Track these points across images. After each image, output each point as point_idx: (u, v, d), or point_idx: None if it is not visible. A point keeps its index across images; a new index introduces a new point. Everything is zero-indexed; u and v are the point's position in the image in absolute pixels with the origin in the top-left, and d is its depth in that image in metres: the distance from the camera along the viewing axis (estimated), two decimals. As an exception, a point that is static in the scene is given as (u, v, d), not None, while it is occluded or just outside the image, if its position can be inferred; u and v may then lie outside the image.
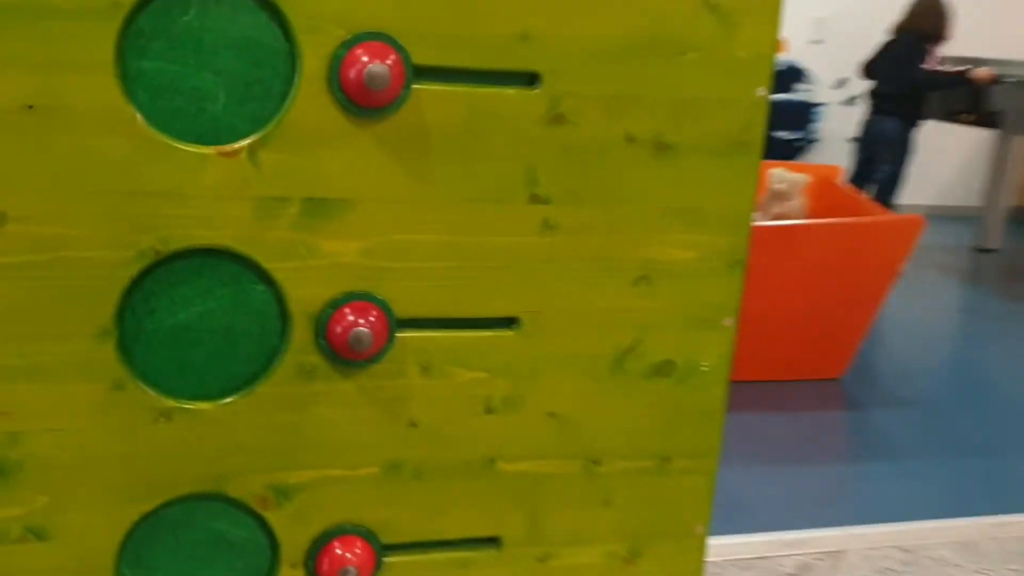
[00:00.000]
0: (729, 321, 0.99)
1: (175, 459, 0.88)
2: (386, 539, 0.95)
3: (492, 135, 0.88)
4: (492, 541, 0.99)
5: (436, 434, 0.94)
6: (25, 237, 0.80)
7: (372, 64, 0.80)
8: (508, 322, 0.93)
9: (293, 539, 0.93)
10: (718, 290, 0.98)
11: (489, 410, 0.95)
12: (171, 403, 0.87)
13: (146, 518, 0.89)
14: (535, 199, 0.90)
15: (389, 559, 0.96)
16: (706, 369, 1.00)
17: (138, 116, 0.80)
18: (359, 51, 0.82)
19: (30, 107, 0.77)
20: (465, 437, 0.95)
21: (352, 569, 0.91)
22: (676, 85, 0.91)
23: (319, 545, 0.93)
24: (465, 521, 0.97)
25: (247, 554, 0.93)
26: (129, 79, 0.80)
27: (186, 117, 0.82)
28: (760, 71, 0.93)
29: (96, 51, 0.78)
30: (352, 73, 0.81)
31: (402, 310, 0.90)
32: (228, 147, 0.82)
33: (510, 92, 0.88)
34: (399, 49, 0.83)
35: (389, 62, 0.82)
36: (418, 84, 0.85)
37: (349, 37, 0.82)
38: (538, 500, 0.99)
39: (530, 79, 0.88)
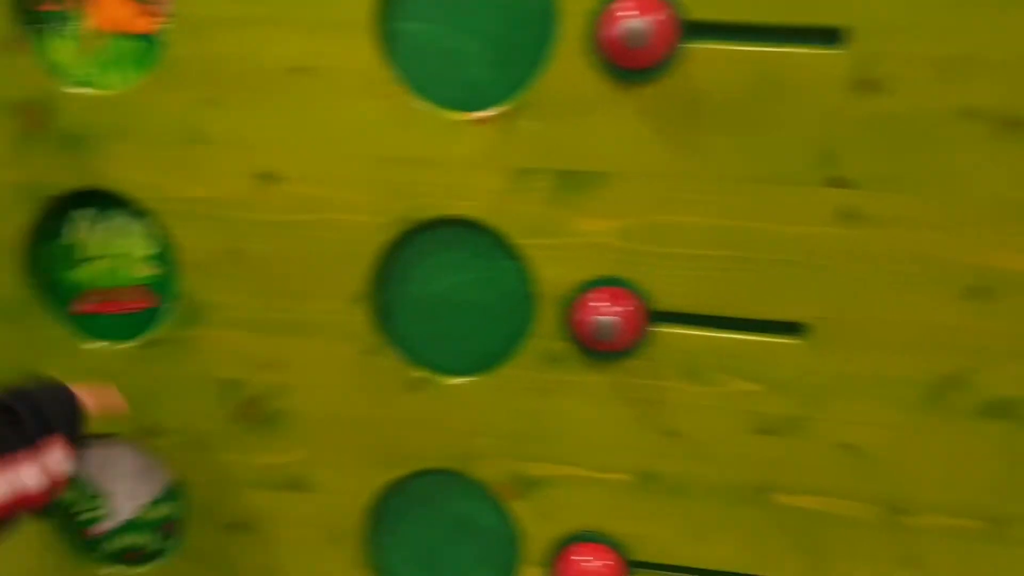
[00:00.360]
0: (1101, 355, 0.74)
1: (422, 431, 0.86)
2: (635, 555, 0.85)
3: (781, 104, 0.73)
4: (761, 583, 0.85)
5: (699, 448, 0.82)
6: (294, 197, 0.82)
7: (631, 19, 0.70)
8: (793, 328, 0.78)
9: (536, 535, 0.87)
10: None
11: (765, 430, 0.80)
12: (420, 374, 0.85)
13: (395, 487, 0.89)
14: (834, 182, 0.74)
15: (639, 577, 0.86)
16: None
17: (396, 78, 0.78)
18: (622, 5, 0.72)
19: (297, 68, 0.79)
20: (734, 457, 0.82)
21: (587, 578, 0.83)
22: (1040, 41, 0.69)
23: (563, 547, 0.86)
24: (729, 553, 0.84)
25: (491, 542, 0.89)
26: (389, 40, 0.78)
27: (443, 81, 0.79)
28: None
29: (357, 11, 0.77)
30: (612, 31, 0.72)
31: (662, 302, 0.79)
32: (483, 113, 0.78)
33: (806, 52, 0.72)
34: (670, 1, 0.72)
35: (654, 17, 0.71)
36: (693, 43, 0.73)
37: (614, -11, 0.73)
38: (822, 545, 0.83)
39: (832, 36, 0.72)
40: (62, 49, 0.85)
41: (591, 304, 0.78)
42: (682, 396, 0.81)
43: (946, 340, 0.76)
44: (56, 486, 0.70)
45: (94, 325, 0.90)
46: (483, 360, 0.84)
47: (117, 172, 0.85)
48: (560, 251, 0.79)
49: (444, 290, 0.84)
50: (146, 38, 0.83)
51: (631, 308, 0.78)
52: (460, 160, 0.79)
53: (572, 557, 0.85)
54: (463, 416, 0.85)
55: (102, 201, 0.87)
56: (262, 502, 0.90)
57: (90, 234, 0.89)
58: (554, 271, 0.80)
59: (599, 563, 0.84)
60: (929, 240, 0.74)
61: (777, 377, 0.79)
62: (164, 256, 0.88)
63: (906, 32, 0.70)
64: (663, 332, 0.80)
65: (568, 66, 0.75)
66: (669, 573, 0.86)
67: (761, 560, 0.84)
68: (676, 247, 0.78)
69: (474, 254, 0.82)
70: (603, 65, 0.74)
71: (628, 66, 0.74)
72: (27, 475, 0.67)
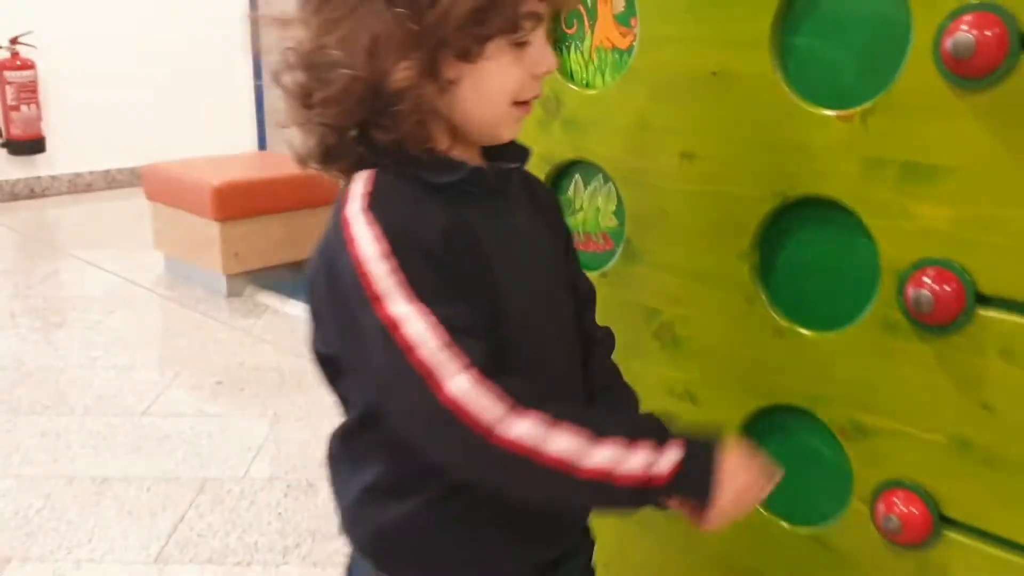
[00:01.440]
0: None
1: (783, 371, 1.06)
2: (946, 511, 0.95)
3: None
4: (1054, 560, 0.89)
5: (1012, 425, 0.89)
6: (703, 172, 1.08)
7: (959, 33, 0.83)
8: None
9: (864, 476, 1.01)
10: None
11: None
12: (785, 324, 1.05)
13: (760, 414, 1.09)
14: None
15: (948, 533, 0.95)
16: None
17: (783, 82, 0.99)
18: (961, 21, 0.84)
19: (714, 73, 1.04)
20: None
21: (895, 520, 0.96)
22: None
23: (883, 490, 0.99)
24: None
25: (831, 475, 1.05)
26: (781, 52, 0.99)
27: (819, 84, 0.97)
28: None
29: (758, 30, 0.99)
30: (946, 43, 0.85)
31: (987, 286, 0.88)
32: (846, 111, 0.95)
33: None
34: (1006, 18, 0.82)
35: (981, 32, 0.82)
36: (1027, 54, 0.82)
37: (957, 7, 0.85)
38: None
39: None
40: (574, 60, 1.21)
41: (919, 280, 0.91)
42: (999, 375, 0.89)
43: None
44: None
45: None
46: (834, 319, 1.01)
47: (595, 148, 1.19)
48: (900, 232, 0.93)
49: (812, 257, 1.02)
50: (623, 52, 1.15)
51: (952, 288, 0.89)
52: (825, 149, 0.97)
53: (891, 500, 0.98)
54: (814, 365, 1.03)
55: (585, 168, 1.22)
56: (663, 405, 1.18)
57: (578, 192, 1.25)
58: (894, 249, 0.94)
59: (911, 510, 0.96)
60: None
61: (1098, 372, 0.83)
62: (619, 211, 1.20)
63: None
64: (985, 315, 0.89)
65: (917, 73, 0.89)
66: (975, 535, 0.94)
67: (1070, 546, 0.88)
68: (1003, 237, 0.87)
69: (834, 229, 0.99)
70: (944, 73, 0.87)
71: (963, 74, 0.85)
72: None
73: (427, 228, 0.79)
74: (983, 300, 0.89)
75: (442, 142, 0.84)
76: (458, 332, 0.75)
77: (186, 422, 2.52)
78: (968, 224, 0.88)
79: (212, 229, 3.49)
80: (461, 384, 0.73)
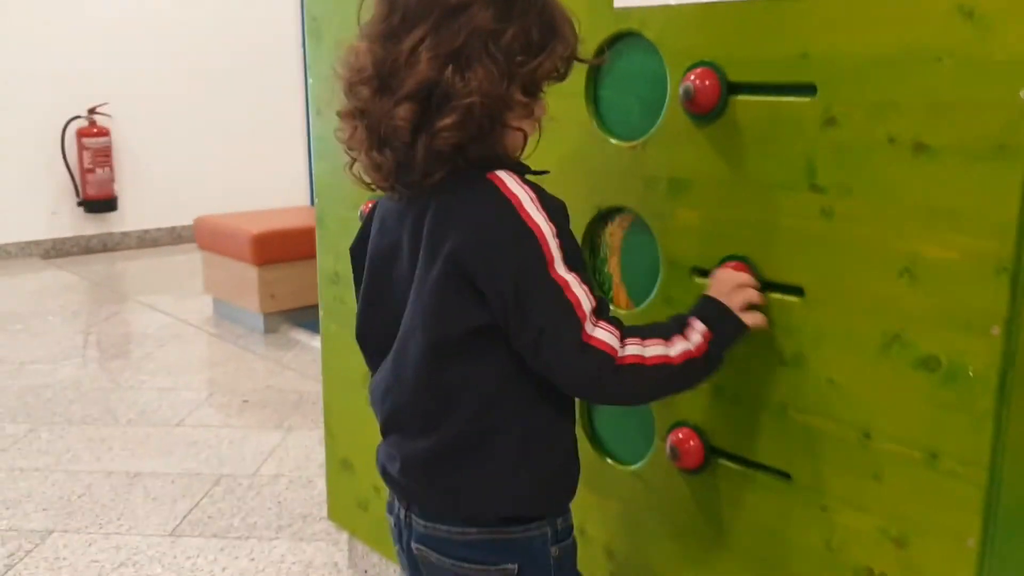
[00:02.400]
0: (996, 330, 0.96)
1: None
2: (713, 443, 1.25)
3: (782, 134, 1.11)
4: (786, 476, 1.18)
5: (747, 370, 1.20)
6: (551, 192, 1.41)
7: (685, 83, 1.16)
8: (795, 290, 1.13)
9: (662, 419, 1.32)
10: (983, 296, 0.97)
11: (783, 362, 1.16)
12: (608, 305, 1.37)
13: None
14: (814, 188, 1.09)
15: (717, 460, 1.25)
16: (972, 375, 0.99)
17: (594, 123, 1.33)
18: (690, 75, 1.18)
19: (551, 119, 1.39)
20: (760, 382, 1.18)
21: (677, 449, 1.26)
22: (933, 89, 0.98)
23: (672, 427, 1.30)
24: (767, 451, 1.20)
25: (642, 422, 1.36)
26: (593, 101, 1.34)
27: (617, 124, 1.31)
28: (1021, 73, 0.91)
29: (578, 85, 1.34)
30: (680, 90, 1.18)
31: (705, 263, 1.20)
32: (634, 143, 1.28)
33: (795, 100, 1.10)
34: (718, 71, 1.16)
35: (707, 82, 1.16)
36: (734, 96, 1.15)
37: (690, 64, 1.19)
38: (820, 454, 1.14)
39: (810, 89, 1.08)
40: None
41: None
42: (734, 332, 1.20)
43: (889, 307, 1.04)
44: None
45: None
46: (637, 302, 1.33)
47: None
48: (673, 232, 1.25)
49: (625, 249, 1.35)
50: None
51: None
52: (622, 171, 1.30)
53: (676, 435, 1.28)
54: (627, 334, 1.35)
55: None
56: None
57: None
58: (671, 243, 1.26)
59: (690, 443, 1.27)
60: (874, 232, 1.04)
61: (786, 325, 1.14)
62: None
63: (850, 86, 1.04)
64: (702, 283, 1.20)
65: (672, 112, 1.22)
66: (732, 461, 1.24)
67: (785, 460, 1.18)
68: (726, 229, 1.19)
69: (634, 230, 1.32)
70: (688, 112, 1.20)
71: (698, 112, 1.18)
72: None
73: (564, 211, 1.04)
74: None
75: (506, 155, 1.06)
76: (592, 292, 1.02)
77: (212, 432, 2.91)
78: (712, 221, 1.21)
79: (251, 273, 3.91)
80: (597, 329, 1.00)
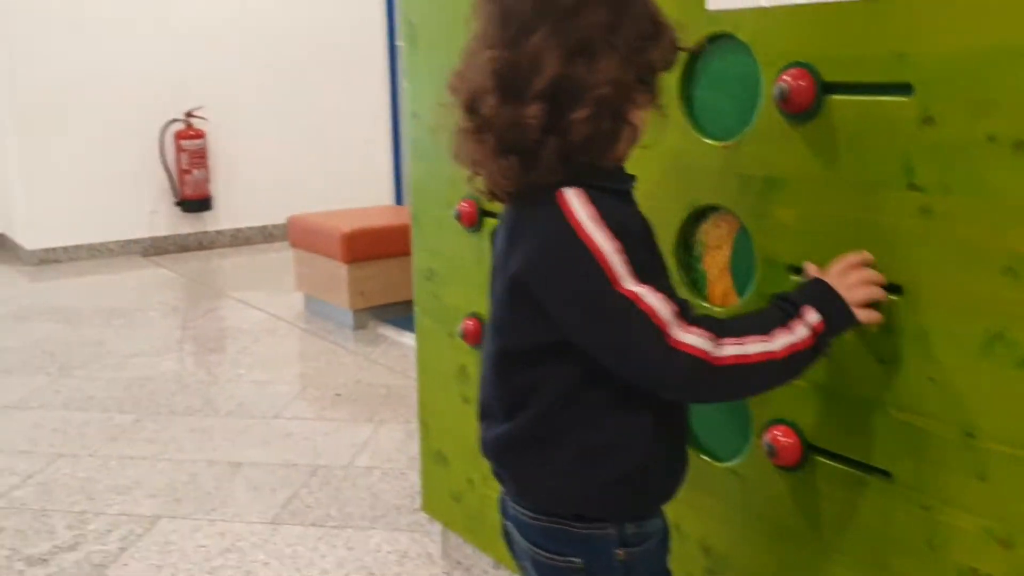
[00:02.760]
0: (1105, 330, 0.95)
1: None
2: (811, 440, 1.26)
3: (878, 133, 1.12)
4: (886, 474, 1.18)
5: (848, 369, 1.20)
6: (641, 191, 1.43)
7: (780, 83, 1.17)
8: (894, 288, 1.13)
9: (758, 416, 1.33)
10: (1089, 293, 0.96)
11: (882, 360, 1.16)
12: (705, 308, 1.39)
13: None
14: (912, 187, 1.09)
15: (815, 457, 1.26)
16: (1079, 375, 0.98)
17: (688, 122, 1.35)
18: (785, 75, 1.19)
19: (645, 118, 1.41)
20: (859, 379, 1.18)
21: (774, 447, 1.27)
22: (1034, 88, 0.97)
23: (769, 425, 1.31)
24: (867, 449, 1.20)
25: (738, 418, 1.37)
26: (687, 101, 1.35)
27: (710, 124, 1.32)
28: None
29: (671, 85, 1.35)
30: (774, 90, 1.19)
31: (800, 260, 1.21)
32: (728, 142, 1.30)
33: (891, 99, 1.10)
34: (812, 72, 1.17)
35: (802, 82, 1.17)
36: (829, 96, 1.16)
37: (783, 65, 1.20)
38: (921, 453, 1.14)
39: (906, 89, 1.08)
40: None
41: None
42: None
43: (991, 306, 1.04)
44: None
45: None
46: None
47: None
48: (771, 230, 1.26)
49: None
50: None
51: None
52: (715, 170, 1.32)
53: (773, 433, 1.29)
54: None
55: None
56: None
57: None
58: (769, 243, 1.27)
59: (787, 440, 1.27)
60: (974, 230, 1.04)
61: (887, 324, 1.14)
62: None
63: (948, 86, 1.04)
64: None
65: (767, 112, 1.23)
66: (831, 459, 1.24)
67: (885, 458, 1.18)
68: (820, 226, 1.19)
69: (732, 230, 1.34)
70: (782, 112, 1.21)
71: (793, 112, 1.19)
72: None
73: (636, 224, 1.05)
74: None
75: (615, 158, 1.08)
76: (671, 298, 1.01)
77: (308, 424, 3.00)
78: (806, 220, 1.21)
79: (341, 271, 4.01)
80: (683, 333, 1.00)
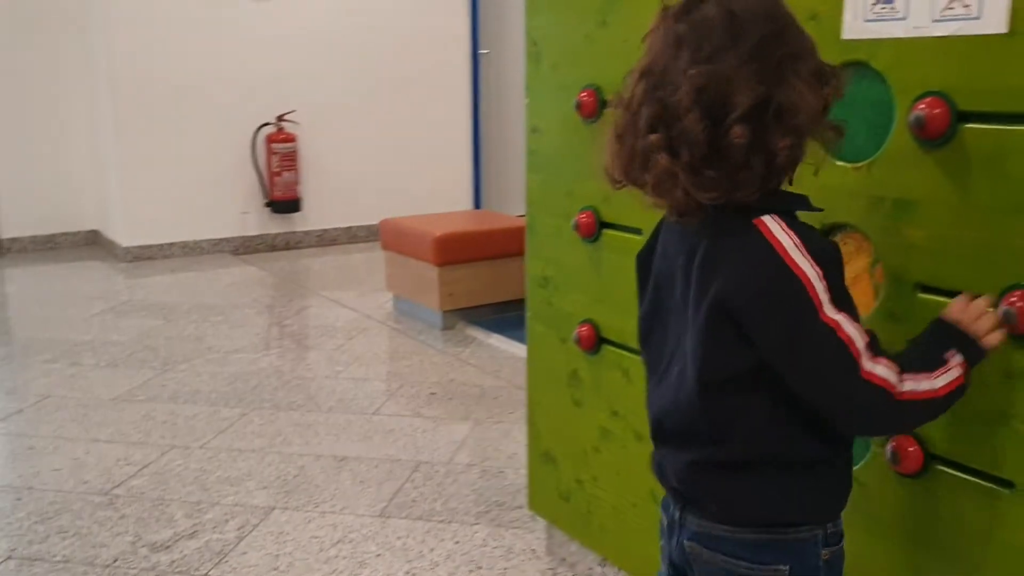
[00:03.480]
0: None
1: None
2: (933, 450, 1.32)
3: (1012, 161, 1.17)
4: (1009, 484, 1.23)
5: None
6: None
7: (916, 111, 1.24)
8: None
9: (878, 427, 1.38)
10: None
11: (1008, 375, 1.21)
12: (825, 317, 1.45)
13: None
14: (1050, 212, 1.15)
15: (936, 466, 1.32)
16: None
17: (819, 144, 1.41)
18: (920, 103, 1.25)
19: (774, 139, 1.47)
20: (983, 394, 1.24)
21: (897, 454, 1.33)
22: None
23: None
24: (990, 459, 1.25)
25: (858, 429, 1.43)
26: (816, 124, 1.42)
27: (844, 146, 1.39)
28: None
29: (801, 109, 1.42)
30: (911, 117, 1.25)
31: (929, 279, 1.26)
32: (859, 164, 1.36)
33: (1028, 129, 1.16)
34: (948, 101, 1.22)
35: (938, 111, 1.23)
36: (964, 124, 1.22)
37: (919, 94, 1.26)
38: (1051, 467, 1.19)
39: (1044, 119, 1.14)
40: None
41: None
42: (959, 346, 1.26)
43: None
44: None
45: None
46: (856, 311, 1.40)
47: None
48: (895, 248, 1.32)
49: (842, 268, 1.43)
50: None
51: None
52: (846, 191, 1.38)
53: (896, 442, 1.35)
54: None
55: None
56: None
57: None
58: (895, 260, 1.33)
59: (909, 449, 1.33)
60: (1109, 255, 1.09)
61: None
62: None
63: (1088, 116, 1.09)
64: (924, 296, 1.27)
65: (900, 138, 1.29)
66: (954, 468, 1.30)
67: (1013, 469, 1.23)
68: (956, 248, 1.25)
69: (858, 248, 1.40)
70: (917, 137, 1.27)
71: (927, 138, 1.25)
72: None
73: (831, 249, 1.09)
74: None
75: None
76: (862, 329, 1.07)
77: (406, 421, 3.12)
78: (934, 239, 1.27)
79: (432, 273, 4.13)
80: (874, 364, 1.06)
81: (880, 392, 1.06)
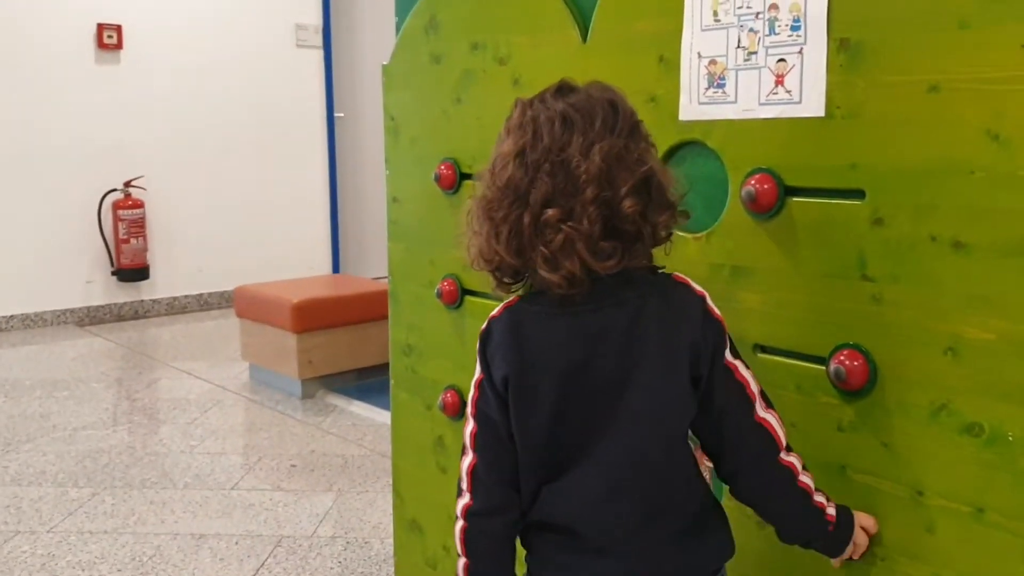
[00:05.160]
0: (1034, 401, 1.13)
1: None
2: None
3: (834, 231, 1.29)
4: (845, 529, 1.33)
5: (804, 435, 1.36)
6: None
7: (747, 187, 1.35)
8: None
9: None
10: (1018, 371, 1.14)
11: (840, 428, 1.32)
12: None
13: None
14: (865, 278, 1.27)
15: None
16: (1011, 439, 1.15)
17: (662, 216, 1.51)
18: (751, 179, 1.36)
19: (622, 211, 1.56)
20: (821, 446, 1.34)
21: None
22: (968, 196, 1.16)
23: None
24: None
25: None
26: (660, 197, 1.52)
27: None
28: (1043, 185, 1.09)
29: (645, 183, 1.52)
30: (743, 192, 1.36)
31: (765, 340, 1.37)
32: (699, 234, 1.46)
33: (846, 203, 1.28)
34: (775, 177, 1.34)
35: (767, 186, 1.34)
36: (791, 198, 1.33)
37: (749, 170, 1.37)
38: (877, 509, 1.30)
39: (859, 194, 1.26)
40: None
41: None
42: (793, 404, 1.36)
43: (935, 381, 1.21)
44: None
45: None
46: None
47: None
48: (734, 313, 1.42)
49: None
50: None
51: (762, 345, 1.38)
52: (687, 259, 1.48)
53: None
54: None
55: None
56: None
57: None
58: (735, 325, 1.43)
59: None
60: (919, 316, 1.21)
61: (844, 393, 1.31)
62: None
63: (895, 192, 1.22)
64: (777, 361, 1.37)
65: (735, 211, 1.40)
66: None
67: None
68: (785, 310, 1.36)
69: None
70: (748, 211, 1.38)
71: (758, 211, 1.36)
72: None
73: None
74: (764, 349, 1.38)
75: None
76: (755, 377, 1.20)
77: (266, 495, 3.05)
78: (771, 304, 1.38)
79: (290, 340, 4.08)
80: (766, 411, 1.19)
81: (770, 439, 1.19)
